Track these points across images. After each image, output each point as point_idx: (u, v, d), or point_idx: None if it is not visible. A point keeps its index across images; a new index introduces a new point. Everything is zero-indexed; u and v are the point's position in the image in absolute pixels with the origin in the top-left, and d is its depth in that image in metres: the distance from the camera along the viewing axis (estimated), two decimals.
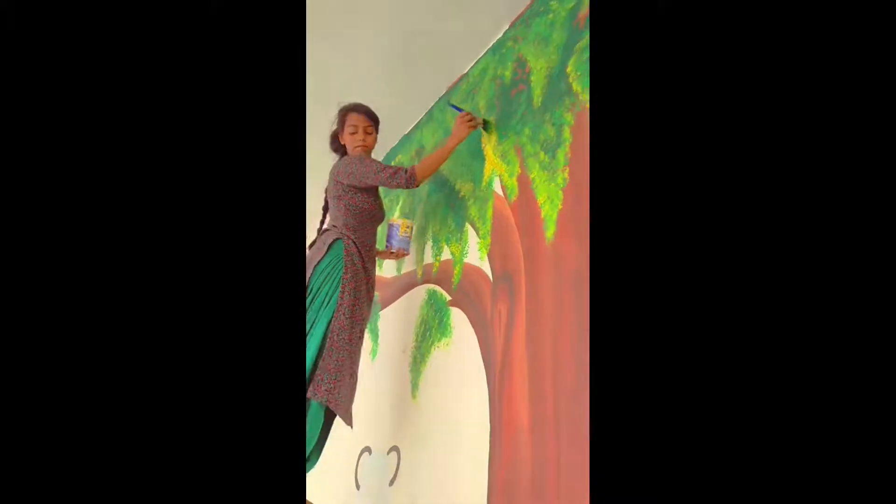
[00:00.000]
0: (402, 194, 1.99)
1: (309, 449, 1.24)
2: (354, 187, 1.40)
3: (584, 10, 1.29)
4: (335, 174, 1.44)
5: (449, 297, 1.50)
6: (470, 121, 1.45)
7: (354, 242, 1.36)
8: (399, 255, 1.57)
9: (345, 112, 1.52)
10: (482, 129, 1.51)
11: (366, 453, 1.66)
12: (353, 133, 1.48)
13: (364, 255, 1.37)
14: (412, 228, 1.59)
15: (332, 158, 1.56)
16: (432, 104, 1.94)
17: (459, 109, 1.51)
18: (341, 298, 1.27)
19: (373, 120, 1.53)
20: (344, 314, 1.27)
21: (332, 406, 1.22)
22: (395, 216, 1.96)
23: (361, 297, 1.33)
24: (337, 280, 1.28)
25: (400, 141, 2.15)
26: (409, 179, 1.37)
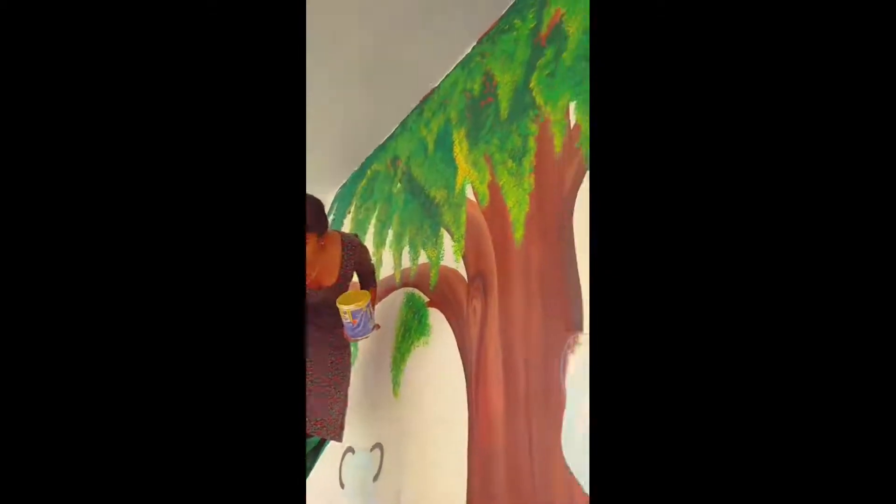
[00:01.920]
0: (379, 202, 2.06)
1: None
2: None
3: (545, 29, 1.40)
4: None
5: (427, 299, 1.58)
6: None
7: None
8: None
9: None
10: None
11: (349, 453, 1.72)
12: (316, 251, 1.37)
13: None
14: (366, 305, 1.34)
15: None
16: (406, 115, 2.03)
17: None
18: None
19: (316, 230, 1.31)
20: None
21: (321, 435, 1.34)
22: (370, 235, 1.97)
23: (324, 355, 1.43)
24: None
25: (374, 151, 2.23)
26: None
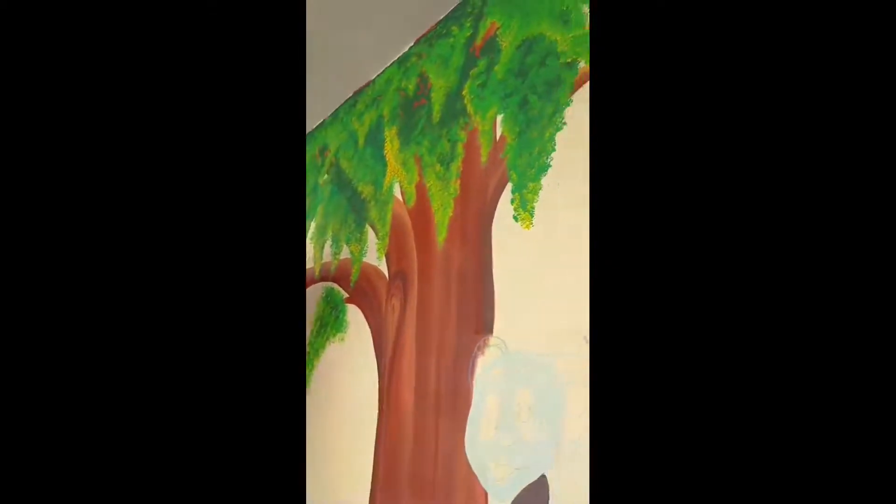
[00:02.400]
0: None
1: None
2: None
3: (479, 41, 1.44)
4: None
5: (346, 295, 1.57)
6: None
7: None
8: None
9: None
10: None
11: None
12: None
13: None
14: None
15: None
16: (338, 106, 2.00)
17: None
18: None
19: None
20: None
21: None
22: None
23: None
24: None
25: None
26: None
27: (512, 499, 0.93)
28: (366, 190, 1.67)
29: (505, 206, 1.18)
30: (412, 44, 1.71)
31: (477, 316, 1.14)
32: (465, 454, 1.03)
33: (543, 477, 0.90)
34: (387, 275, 1.45)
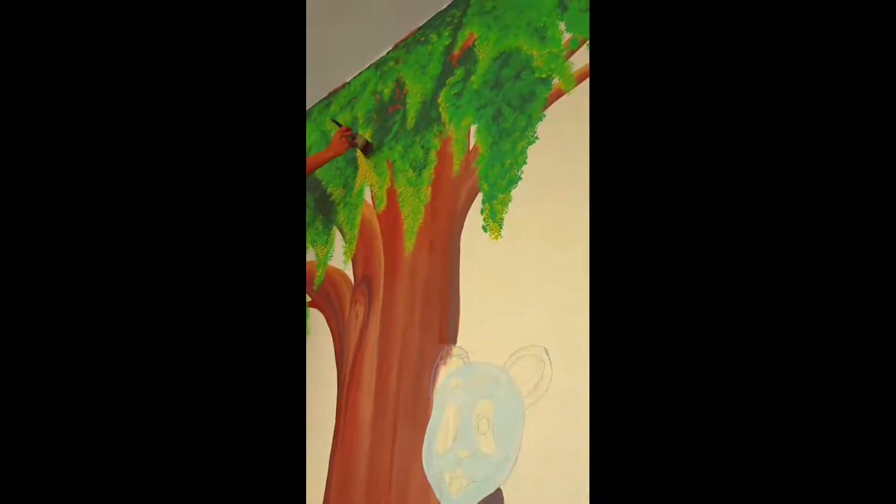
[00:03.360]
0: None
1: None
2: None
3: (457, 50, 1.45)
4: None
5: (309, 299, 1.53)
6: (350, 138, 1.51)
7: None
8: None
9: None
10: (359, 150, 1.55)
11: None
12: None
13: None
14: None
15: None
16: (311, 106, 1.97)
17: (339, 125, 1.56)
18: None
19: None
20: None
21: None
22: None
23: None
24: None
25: None
26: None
27: None
28: (335, 192, 1.64)
29: (475, 216, 1.18)
30: (390, 48, 1.71)
31: (441, 325, 1.13)
32: (422, 465, 1.01)
33: (499, 490, 0.89)
34: (352, 280, 1.43)
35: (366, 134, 1.60)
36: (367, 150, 1.55)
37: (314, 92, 1.94)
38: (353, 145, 1.52)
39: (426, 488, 0.99)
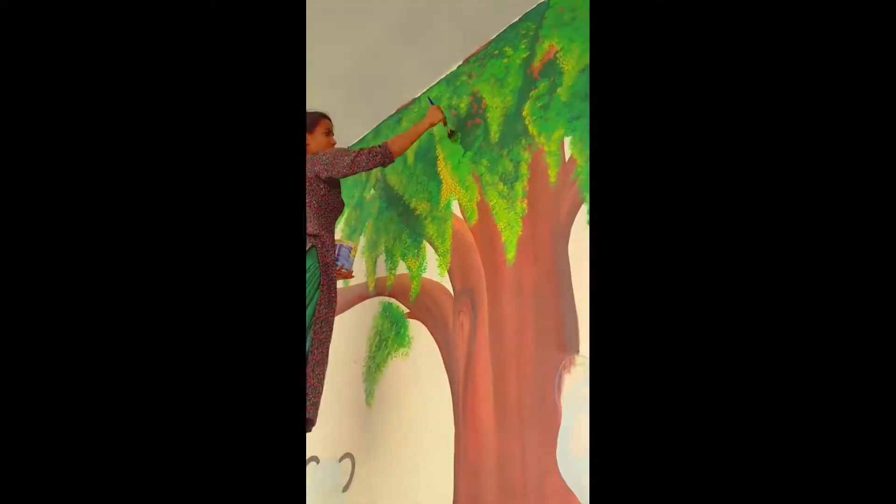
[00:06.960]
0: (348, 206, 2.04)
1: None
2: (326, 183, 1.42)
3: (538, 63, 1.48)
4: (314, 171, 1.42)
5: (407, 310, 1.60)
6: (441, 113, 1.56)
7: (325, 249, 1.36)
8: (348, 276, 1.57)
9: (317, 117, 1.55)
10: (448, 137, 1.62)
11: (313, 462, 1.70)
12: (327, 134, 1.53)
13: (331, 262, 1.38)
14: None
15: None
16: (381, 122, 2.03)
17: (432, 102, 1.64)
18: (318, 311, 1.30)
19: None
20: (321, 327, 1.30)
21: (311, 418, 1.27)
22: (338, 236, 1.99)
23: (333, 306, 1.36)
24: (312, 290, 1.29)
25: None
26: (384, 156, 1.42)
27: None
28: (420, 206, 1.70)
29: (581, 227, 1.22)
30: (461, 63, 1.75)
31: (558, 335, 1.18)
32: (559, 471, 1.07)
33: None
34: (452, 292, 1.49)
35: (446, 148, 1.65)
36: (452, 135, 1.63)
37: (383, 108, 2.00)
38: (446, 122, 1.60)
39: (567, 494, 1.05)
